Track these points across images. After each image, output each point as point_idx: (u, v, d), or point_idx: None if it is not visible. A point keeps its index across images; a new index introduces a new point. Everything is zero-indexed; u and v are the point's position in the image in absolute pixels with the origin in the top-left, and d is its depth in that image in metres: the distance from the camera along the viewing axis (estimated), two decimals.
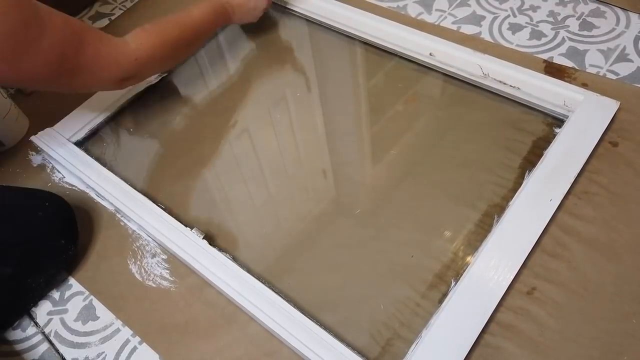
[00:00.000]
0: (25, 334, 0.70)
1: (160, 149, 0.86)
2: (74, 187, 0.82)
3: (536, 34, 0.88)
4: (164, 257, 0.73)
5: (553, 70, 0.82)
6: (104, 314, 0.69)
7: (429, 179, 0.75)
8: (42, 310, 0.71)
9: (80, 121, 0.88)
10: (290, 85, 0.91)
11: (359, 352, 0.60)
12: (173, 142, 0.87)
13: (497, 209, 0.69)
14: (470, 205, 0.71)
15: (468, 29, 0.91)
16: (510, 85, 0.79)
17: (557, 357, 0.57)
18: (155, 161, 0.85)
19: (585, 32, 0.87)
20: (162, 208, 0.75)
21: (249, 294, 0.65)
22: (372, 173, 0.79)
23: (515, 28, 0.90)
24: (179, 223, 0.73)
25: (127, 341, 0.67)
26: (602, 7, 0.90)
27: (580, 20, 0.89)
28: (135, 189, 0.78)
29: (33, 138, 0.86)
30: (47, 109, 0.94)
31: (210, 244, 0.70)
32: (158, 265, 0.72)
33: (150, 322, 0.67)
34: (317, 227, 0.73)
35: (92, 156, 0.83)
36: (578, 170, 0.69)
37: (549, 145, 0.72)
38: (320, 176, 0.80)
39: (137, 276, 0.71)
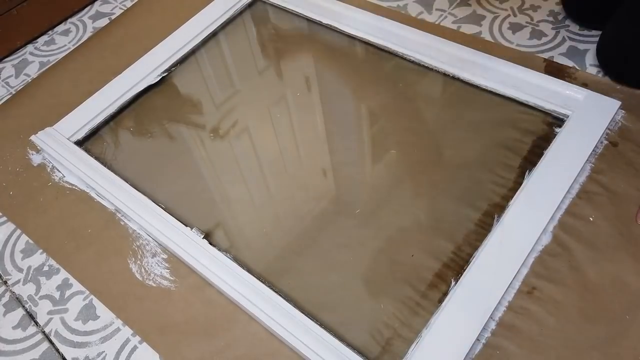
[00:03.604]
0: (25, 333, 0.70)
1: (160, 149, 0.86)
2: (74, 187, 0.82)
3: (536, 34, 0.88)
4: (164, 256, 0.73)
5: (553, 69, 0.82)
6: (104, 314, 0.69)
7: (429, 178, 0.75)
8: (42, 309, 0.71)
9: (80, 120, 0.88)
10: (290, 85, 0.91)
11: (359, 352, 0.60)
12: (173, 142, 0.87)
13: (497, 209, 0.69)
14: (471, 205, 0.71)
15: (468, 29, 0.91)
16: (511, 85, 0.79)
17: (557, 356, 0.58)
18: (155, 161, 0.85)
19: (585, 32, 0.87)
20: (162, 207, 0.75)
21: (249, 294, 0.65)
22: (372, 172, 0.79)
23: (515, 28, 0.90)
24: (179, 222, 0.73)
25: (127, 340, 0.67)
26: None
27: None
28: (135, 188, 0.78)
29: (33, 137, 0.86)
30: (46, 108, 0.94)
31: (210, 244, 0.70)
32: (158, 265, 0.72)
33: (150, 322, 0.67)
34: (317, 227, 0.73)
35: (92, 156, 0.83)
36: (578, 170, 0.69)
37: (549, 145, 0.72)
38: (320, 176, 0.80)
39: (137, 276, 0.71)
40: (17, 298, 0.73)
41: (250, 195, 0.79)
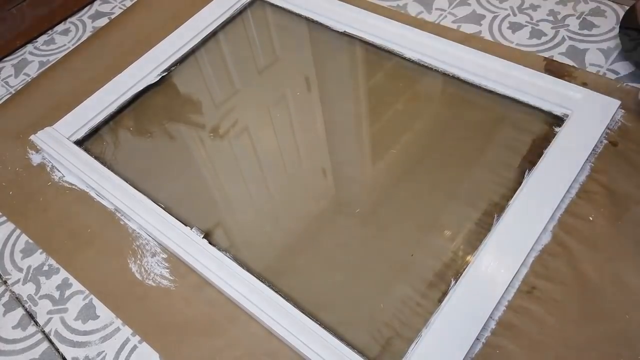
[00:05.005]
0: (25, 333, 0.70)
1: (160, 149, 0.86)
2: (73, 186, 0.82)
3: (536, 33, 0.88)
4: (164, 256, 0.73)
5: (553, 69, 0.82)
6: (104, 313, 0.69)
7: (429, 178, 0.75)
8: (42, 309, 0.71)
9: (80, 120, 0.88)
10: (290, 85, 0.91)
11: (359, 351, 0.60)
12: (173, 142, 0.87)
13: (497, 208, 0.69)
14: (471, 205, 0.71)
15: (468, 28, 0.91)
16: (511, 85, 0.79)
17: (556, 356, 0.58)
18: (155, 161, 0.85)
19: (585, 31, 0.87)
20: (162, 207, 0.75)
21: (249, 293, 0.65)
22: (372, 172, 0.79)
23: (515, 27, 0.90)
24: (179, 222, 0.73)
25: (127, 340, 0.67)
26: (602, 7, 0.90)
27: (581, 19, 0.89)
28: (135, 188, 0.78)
29: (33, 137, 0.86)
30: (46, 108, 0.94)
31: (210, 243, 0.70)
32: (158, 265, 0.72)
33: (150, 321, 0.67)
34: (317, 227, 0.73)
35: (92, 155, 0.83)
36: (578, 170, 0.69)
37: (549, 145, 0.72)
38: (320, 175, 0.80)
39: (137, 275, 0.71)
40: (17, 298, 0.73)
41: (250, 195, 0.79)
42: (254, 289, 0.65)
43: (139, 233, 0.75)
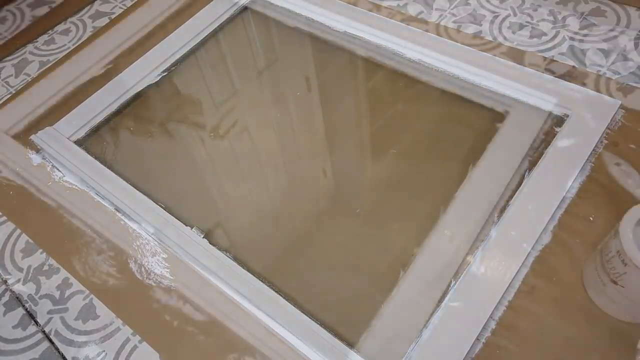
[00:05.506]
0: (25, 332, 0.70)
1: (160, 149, 0.86)
2: (73, 186, 0.82)
3: (536, 33, 0.88)
4: (164, 256, 0.73)
5: (553, 69, 0.82)
6: (104, 313, 0.69)
7: (429, 178, 0.75)
8: (43, 309, 0.71)
9: (80, 120, 0.88)
10: (290, 85, 0.91)
11: (359, 351, 0.60)
12: (173, 142, 0.87)
13: (497, 208, 0.69)
14: (470, 205, 0.71)
15: (468, 28, 0.91)
16: (511, 85, 0.79)
17: (556, 356, 0.57)
18: (155, 160, 0.85)
19: (585, 31, 0.87)
20: (162, 207, 0.75)
21: (249, 293, 0.65)
22: (372, 172, 0.79)
23: (515, 27, 0.90)
24: (179, 222, 0.73)
25: (127, 340, 0.67)
26: (603, 7, 0.90)
27: (581, 19, 0.89)
28: (135, 188, 0.78)
29: (33, 137, 0.86)
30: (46, 108, 0.94)
31: (210, 243, 0.70)
32: (158, 264, 0.72)
33: (150, 321, 0.67)
34: (317, 226, 0.73)
35: (92, 155, 0.83)
36: (578, 169, 0.69)
37: (549, 145, 0.72)
38: (320, 175, 0.80)
39: (137, 275, 0.71)
40: (17, 297, 0.73)
41: (250, 195, 0.79)
42: (254, 288, 0.65)
43: (139, 233, 0.75)
